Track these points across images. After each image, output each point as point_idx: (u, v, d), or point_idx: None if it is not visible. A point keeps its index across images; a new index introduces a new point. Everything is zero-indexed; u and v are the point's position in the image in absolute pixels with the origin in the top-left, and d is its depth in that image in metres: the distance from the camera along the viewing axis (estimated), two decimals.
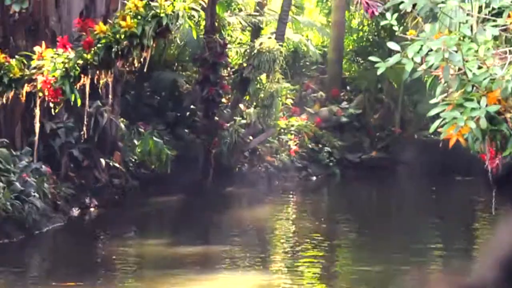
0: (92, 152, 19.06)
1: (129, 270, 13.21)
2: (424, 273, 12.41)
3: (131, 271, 13.14)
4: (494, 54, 6.10)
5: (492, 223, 16.21)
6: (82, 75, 11.22)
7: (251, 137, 24.93)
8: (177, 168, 21.23)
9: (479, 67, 5.96)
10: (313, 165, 26.70)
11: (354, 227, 18.32)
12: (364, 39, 31.25)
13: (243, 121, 24.76)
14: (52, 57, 11.26)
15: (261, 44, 23.88)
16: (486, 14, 6.45)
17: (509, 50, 6.13)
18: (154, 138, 21.17)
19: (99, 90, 14.73)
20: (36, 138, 13.67)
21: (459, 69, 5.99)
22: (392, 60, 6.08)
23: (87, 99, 11.53)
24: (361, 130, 28.28)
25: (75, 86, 11.29)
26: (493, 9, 6.42)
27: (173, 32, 10.83)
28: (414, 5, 6.25)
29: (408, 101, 28.17)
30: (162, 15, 10.45)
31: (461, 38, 5.91)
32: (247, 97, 25.31)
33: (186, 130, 23.84)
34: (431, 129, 6.42)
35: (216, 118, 23.08)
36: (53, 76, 11.07)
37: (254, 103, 25.62)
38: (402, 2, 6.27)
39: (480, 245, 15.33)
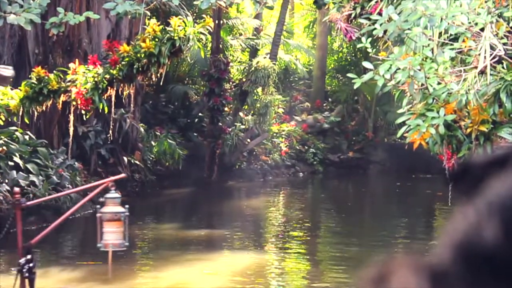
0: (116, 151, 19.04)
1: (146, 249, 13.20)
2: (389, 254, 12.41)
3: (148, 250, 13.12)
4: (451, 72, 6.11)
5: (449, 213, 16.22)
6: (109, 87, 11.19)
7: (249, 140, 24.92)
8: (187, 165, 21.24)
9: (439, 83, 5.96)
10: (300, 163, 26.69)
11: (333, 215, 18.32)
12: (343, 59, 31.24)
13: (242, 127, 24.75)
14: (84, 72, 11.24)
15: (257, 62, 23.88)
16: (444, 39, 6.46)
17: (464, 69, 6.13)
18: (169, 140, 21.16)
19: (123, 100, 14.73)
20: (70, 139, 13.65)
21: (422, 84, 6.00)
22: (366, 77, 6.08)
23: (113, 107, 11.50)
24: (340, 135, 28.26)
25: (103, 97, 11.27)
26: (451, 35, 6.42)
27: (184, 52, 10.80)
28: (385, 31, 6.26)
29: (379, 110, 28.15)
30: (175, 38, 10.43)
31: (424, 59, 5.91)
32: (246, 107, 25.32)
33: (195, 134, 23.84)
34: (399, 134, 6.42)
35: (220, 124, 23.06)
36: (85, 88, 11.06)
37: (252, 112, 25.64)
38: (375, 29, 6.27)
39: (438, 231, 15.33)
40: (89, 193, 5.63)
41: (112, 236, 5.43)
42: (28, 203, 5.22)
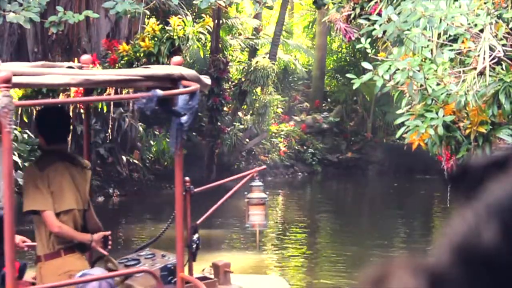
0: (115, 150, 19.04)
1: None
2: (388, 256, 12.41)
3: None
4: (450, 73, 6.11)
5: (447, 214, 16.22)
6: (108, 87, 11.20)
7: (247, 140, 24.92)
8: (186, 165, 21.15)
9: (438, 84, 5.96)
10: (299, 163, 26.68)
11: (332, 215, 18.33)
12: (343, 59, 31.24)
13: (241, 126, 24.75)
14: None
15: (257, 62, 23.88)
16: (444, 40, 6.46)
17: (463, 70, 6.14)
18: (167, 140, 21.16)
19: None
20: (69, 138, 13.66)
21: (421, 85, 6.00)
22: (365, 77, 6.08)
23: (112, 106, 11.49)
24: (339, 135, 28.26)
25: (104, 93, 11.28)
26: (450, 36, 6.43)
27: (184, 52, 10.80)
28: (384, 32, 6.26)
29: (378, 111, 28.16)
30: (175, 37, 10.44)
31: (423, 60, 5.92)
32: (245, 106, 25.32)
33: (194, 133, 23.83)
34: (397, 135, 6.43)
35: (219, 123, 23.07)
36: None
37: (251, 111, 25.63)
38: (374, 29, 6.28)
39: (437, 233, 15.34)
40: (237, 182, 6.67)
41: (257, 217, 6.31)
42: (196, 190, 6.07)
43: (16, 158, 14.69)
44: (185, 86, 4.73)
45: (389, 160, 26.82)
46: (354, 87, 6.34)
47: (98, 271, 4.71)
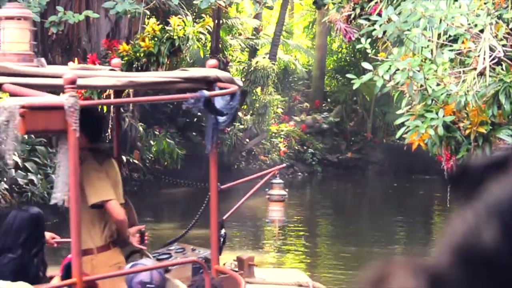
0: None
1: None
2: (388, 256, 12.41)
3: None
4: (450, 73, 6.11)
5: (447, 214, 16.22)
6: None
7: (247, 140, 24.92)
8: (186, 165, 21.21)
9: (438, 84, 5.96)
10: (299, 163, 26.68)
11: (332, 215, 18.33)
12: (343, 59, 31.24)
13: (241, 126, 24.74)
14: None
15: (257, 62, 23.88)
16: (444, 40, 6.46)
17: (463, 71, 6.14)
18: (167, 140, 21.15)
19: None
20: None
21: (421, 85, 6.00)
22: (365, 77, 6.08)
23: (112, 106, 11.46)
24: (339, 135, 28.26)
25: (102, 95, 11.26)
26: (450, 36, 6.43)
27: (184, 52, 10.80)
28: (384, 32, 6.26)
29: (378, 111, 28.17)
30: (175, 37, 10.43)
31: (423, 60, 5.92)
32: (245, 106, 25.31)
33: (194, 133, 23.82)
34: (397, 135, 6.43)
35: None
36: None
37: (251, 111, 25.62)
38: (374, 30, 6.28)
39: (437, 233, 15.33)
40: (260, 180, 6.98)
41: (277, 213, 6.69)
42: (223, 186, 6.27)
43: (16, 158, 14.68)
44: (220, 88, 4.99)
45: (389, 160, 26.82)
46: (354, 87, 6.34)
47: (149, 262, 4.91)
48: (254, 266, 6.26)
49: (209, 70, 5.22)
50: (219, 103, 4.94)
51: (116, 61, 6.13)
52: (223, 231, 6.10)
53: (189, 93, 4.82)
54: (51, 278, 5.28)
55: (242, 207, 8.05)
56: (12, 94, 4.26)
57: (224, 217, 6.31)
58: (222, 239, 5.98)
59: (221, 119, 4.98)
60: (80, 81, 4.34)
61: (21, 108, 3.77)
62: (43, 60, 5.06)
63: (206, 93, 4.76)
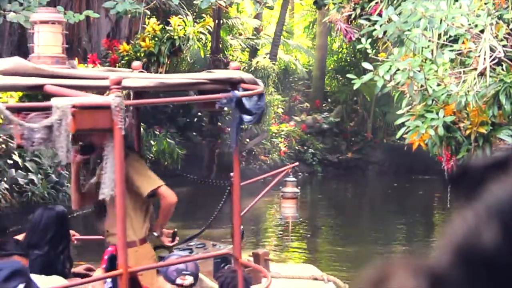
0: None
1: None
2: (388, 256, 12.42)
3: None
4: (450, 74, 6.11)
5: (447, 215, 16.22)
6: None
7: (248, 140, 24.92)
8: (186, 164, 21.23)
9: (438, 85, 5.97)
10: (299, 163, 26.68)
11: (332, 214, 18.33)
12: (343, 59, 31.25)
13: (242, 126, 24.73)
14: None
15: (257, 62, 23.90)
16: (444, 41, 6.46)
17: (463, 71, 6.14)
18: (168, 140, 21.15)
19: None
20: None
21: (422, 86, 6.00)
22: (366, 77, 6.08)
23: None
24: (339, 135, 28.27)
25: (102, 95, 11.30)
26: (450, 36, 6.43)
27: (184, 52, 10.80)
28: (385, 32, 6.26)
29: (378, 111, 28.17)
30: (175, 37, 10.42)
31: (424, 60, 5.92)
32: None
33: (194, 133, 23.83)
34: (398, 135, 6.43)
35: (219, 123, 23.06)
36: None
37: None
38: (374, 30, 6.28)
39: (437, 233, 15.33)
40: (271, 178, 7.18)
41: (290, 210, 6.97)
42: (241, 184, 6.40)
43: (16, 157, 14.70)
44: (244, 89, 5.24)
45: (389, 161, 26.82)
46: (355, 87, 6.34)
47: (183, 253, 5.18)
48: (270, 261, 6.42)
49: (233, 72, 5.48)
50: (247, 103, 5.16)
51: (136, 63, 6.36)
52: (241, 227, 6.36)
53: (217, 93, 5.08)
54: (75, 274, 5.52)
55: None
56: (53, 95, 4.42)
57: (242, 213, 6.54)
58: (241, 234, 6.29)
59: (247, 118, 5.23)
60: (99, 83, 4.53)
61: (72, 108, 3.97)
62: (74, 62, 5.37)
63: (237, 93, 5.05)
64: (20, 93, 11.09)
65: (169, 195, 5.74)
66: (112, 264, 4.35)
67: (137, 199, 5.60)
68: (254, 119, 5.31)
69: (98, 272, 4.55)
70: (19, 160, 14.69)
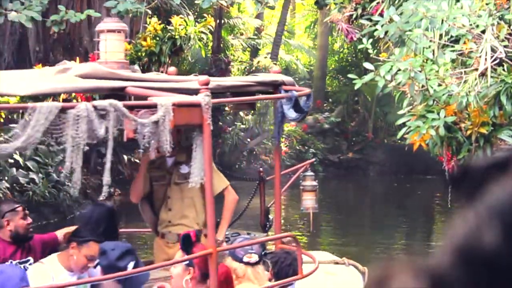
0: (116, 150, 19.05)
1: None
2: (389, 257, 12.42)
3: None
4: (451, 74, 6.11)
5: (448, 215, 16.20)
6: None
7: (249, 139, 24.92)
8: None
9: (439, 85, 5.97)
10: (300, 163, 26.65)
11: (333, 213, 18.33)
12: (344, 59, 31.25)
13: (243, 126, 24.75)
14: None
15: (258, 62, 23.90)
16: (445, 41, 6.46)
17: (464, 71, 6.14)
18: None
19: None
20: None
21: (423, 86, 6.00)
22: (367, 78, 6.09)
23: None
24: (340, 135, 28.26)
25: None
26: (452, 36, 6.43)
27: (185, 51, 10.81)
28: (386, 32, 6.26)
29: (379, 111, 28.15)
30: (176, 37, 10.43)
31: (425, 61, 5.92)
32: None
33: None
34: (399, 135, 6.43)
35: (220, 123, 23.07)
36: None
37: (252, 111, 25.62)
38: (376, 30, 6.28)
39: (438, 234, 15.33)
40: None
41: (310, 202, 7.54)
42: (267, 178, 7.17)
43: (17, 157, 14.69)
44: (285, 91, 5.70)
45: (390, 161, 26.81)
46: (356, 87, 6.35)
47: (248, 236, 5.76)
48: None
49: (276, 75, 5.94)
50: (301, 102, 5.65)
51: (172, 69, 6.74)
52: (271, 217, 6.99)
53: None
54: None
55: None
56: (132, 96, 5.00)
57: (269, 205, 7.13)
58: (270, 224, 7.02)
59: (293, 116, 5.66)
60: (174, 85, 5.16)
61: (172, 106, 4.40)
62: (136, 67, 5.92)
63: (295, 93, 5.56)
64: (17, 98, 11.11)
65: (234, 193, 6.33)
66: (185, 243, 4.67)
67: (203, 195, 5.87)
68: (301, 117, 5.78)
69: (179, 254, 4.82)
70: (20, 159, 14.69)
